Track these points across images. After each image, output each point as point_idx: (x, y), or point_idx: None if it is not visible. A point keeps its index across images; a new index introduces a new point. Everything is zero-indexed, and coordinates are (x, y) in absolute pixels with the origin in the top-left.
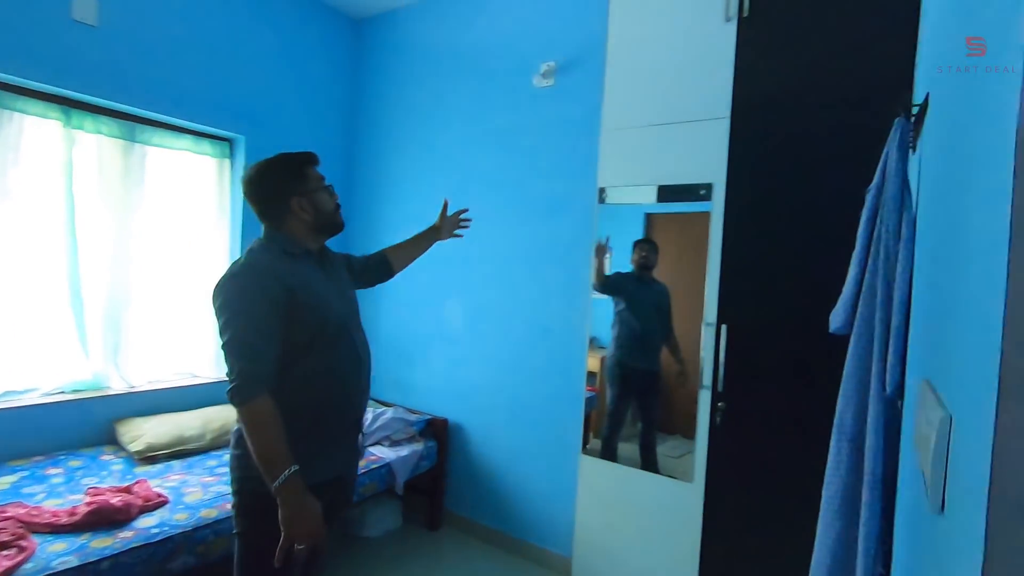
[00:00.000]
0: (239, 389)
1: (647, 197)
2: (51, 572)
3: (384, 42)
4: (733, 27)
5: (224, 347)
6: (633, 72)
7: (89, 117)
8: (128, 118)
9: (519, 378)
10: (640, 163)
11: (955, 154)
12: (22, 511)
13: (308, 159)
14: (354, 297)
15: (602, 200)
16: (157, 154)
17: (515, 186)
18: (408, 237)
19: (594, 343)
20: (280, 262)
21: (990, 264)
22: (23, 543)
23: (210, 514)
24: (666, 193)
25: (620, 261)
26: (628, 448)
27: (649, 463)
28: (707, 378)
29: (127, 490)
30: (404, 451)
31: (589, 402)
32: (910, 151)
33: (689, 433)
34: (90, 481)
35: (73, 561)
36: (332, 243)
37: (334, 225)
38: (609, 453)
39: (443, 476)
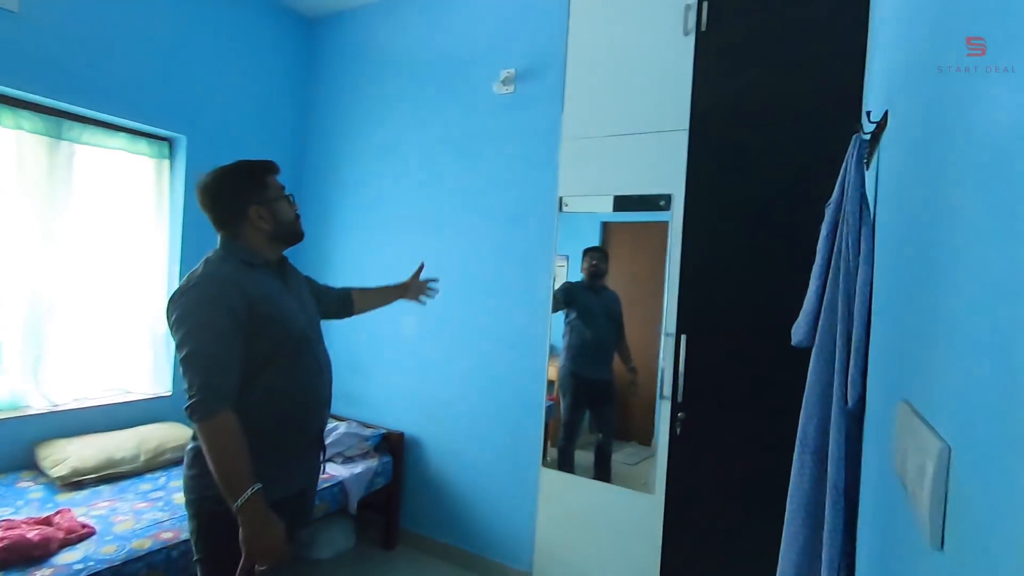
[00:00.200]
0: (200, 404)
1: (607, 207)
2: None
3: (339, 43)
4: (691, 41)
5: (183, 361)
6: (593, 82)
7: (8, 111)
8: (54, 113)
9: (479, 389)
10: (600, 173)
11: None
12: None
13: (268, 167)
14: (314, 311)
15: (562, 209)
16: (87, 153)
17: (475, 193)
18: (377, 286)
19: (554, 351)
20: (239, 272)
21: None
22: None
23: (143, 545)
24: (625, 203)
25: (576, 270)
26: (585, 457)
27: (604, 471)
28: (667, 388)
29: (47, 521)
30: (358, 468)
31: (548, 411)
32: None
33: (645, 439)
34: (3, 512)
35: None
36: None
37: (294, 235)
38: (566, 462)
39: (399, 492)
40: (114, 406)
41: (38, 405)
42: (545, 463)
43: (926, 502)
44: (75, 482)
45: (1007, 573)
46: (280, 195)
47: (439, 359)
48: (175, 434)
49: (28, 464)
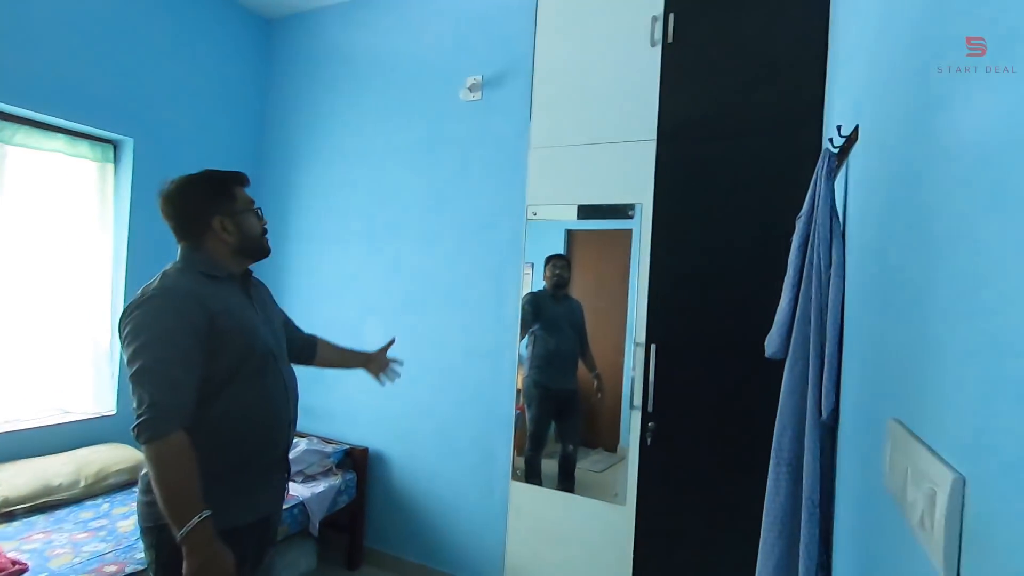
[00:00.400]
0: (149, 424)
1: (574, 215)
2: None
3: (299, 45)
4: (658, 52)
5: (133, 377)
6: (561, 91)
7: None
8: None
9: (447, 401)
10: (569, 182)
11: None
12: None
13: (237, 179)
14: (280, 327)
15: (531, 218)
16: (19, 155)
17: (442, 201)
18: (344, 346)
19: (523, 360)
20: (199, 285)
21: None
22: None
23: None
24: (595, 212)
25: (540, 278)
26: (551, 466)
27: (569, 480)
28: (637, 398)
29: None
30: (320, 486)
31: (515, 422)
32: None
33: (611, 446)
34: None
35: None
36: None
37: (259, 250)
38: (534, 473)
39: (363, 510)
40: (51, 427)
41: None
42: (515, 476)
43: (939, 538)
44: (5, 513)
45: None
46: (248, 208)
47: (405, 371)
48: (120, 456)
49: None
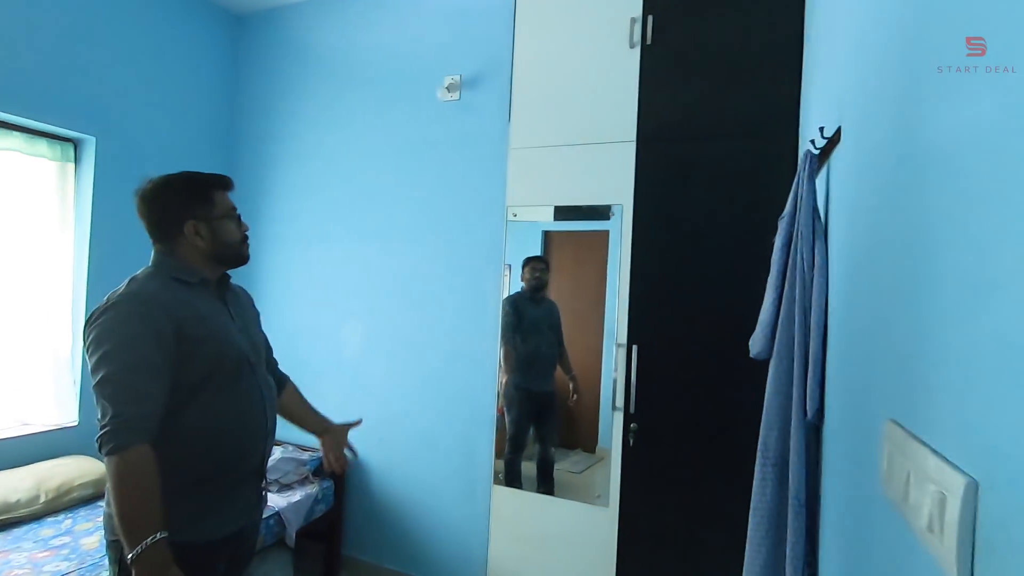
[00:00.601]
0: (112, 435)
1: (558, 216)
2: None
3: (270, 42)
4: (637, 53)
5: (97, 387)
6: (541, 92)
7: None
8: None
9: (427, 404)
10: (549, 183)
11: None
12: None
13: (219, 183)
14: (258, 336)
15: (511, 219)
16: None
17: (420, 202)
18: (309, 404)
19: (502, 362)
20: (169, 291)
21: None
22: None
23: None
24: (575, 213)
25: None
26: (531, 468)
27: (548, 482)
28: (619, 399)
29: None
30: (296, 495)
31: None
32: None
33: (590, 447)
34: None
35: None
36: None
37: (235, 257)
38: (514, 477)
39: (341, 519)
40: (8, 440)
41: None
42: (497, 480)
43: (951, 544)
44: None
45: None
46: (227, 214)
47: (384, 375)
48: (83, 469)
49: None
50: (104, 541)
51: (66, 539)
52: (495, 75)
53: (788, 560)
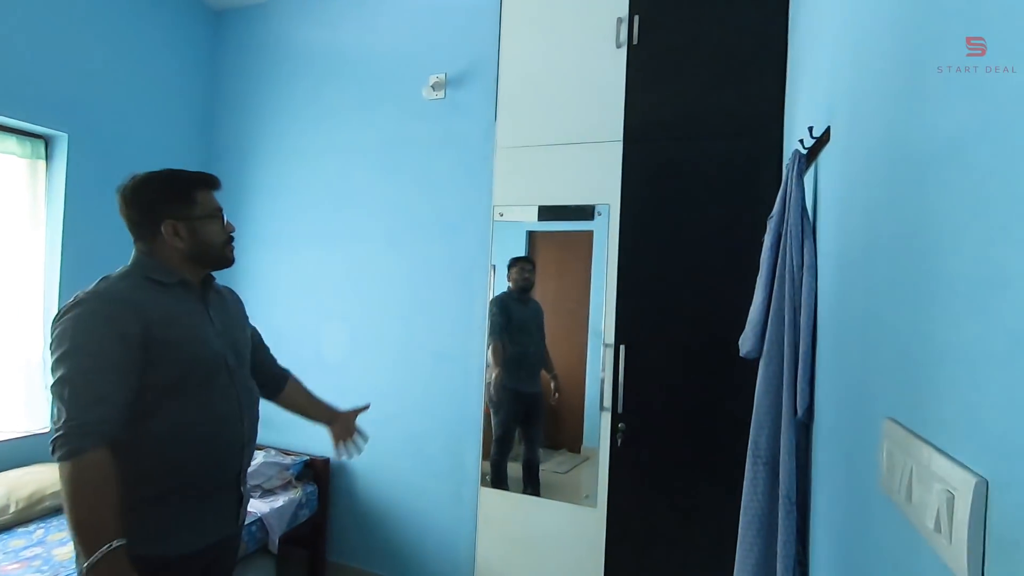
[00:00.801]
0: (65, 439)
1: (543, 216)
2: None
3: (250, 37)
4: (624, 53)
5: (53, 388)
6: (527, 91)
7: None
8: None
9: (414, 407)
10: (536, 182)
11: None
12: None
13: (203, 182)
14: (243, 339)
15: (497, 219)
16: None
17: (405, 202)
18: (315, 395)
19: (489, 363)
20: (140, 291)
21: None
22: None
23: None
24: (560, 213)
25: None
26: (516, 469)
27: (534, 483)
28: (607, 399)
29: None
30: (279, 501)
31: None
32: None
33: (575, 447)
34: None
35: None
36: None
37: (217, 259)
38: (500, 478)
39: (325, 524)
40: None
41: None
42: (484, 482)
43: (961, 544)
44: None
45: None
46: (210, 214)
47: (369, 377)
48: (56, 477)
49: None
50: (75, 552)
51: (38, 550)
52: (481, 74)
53: (779, 559)
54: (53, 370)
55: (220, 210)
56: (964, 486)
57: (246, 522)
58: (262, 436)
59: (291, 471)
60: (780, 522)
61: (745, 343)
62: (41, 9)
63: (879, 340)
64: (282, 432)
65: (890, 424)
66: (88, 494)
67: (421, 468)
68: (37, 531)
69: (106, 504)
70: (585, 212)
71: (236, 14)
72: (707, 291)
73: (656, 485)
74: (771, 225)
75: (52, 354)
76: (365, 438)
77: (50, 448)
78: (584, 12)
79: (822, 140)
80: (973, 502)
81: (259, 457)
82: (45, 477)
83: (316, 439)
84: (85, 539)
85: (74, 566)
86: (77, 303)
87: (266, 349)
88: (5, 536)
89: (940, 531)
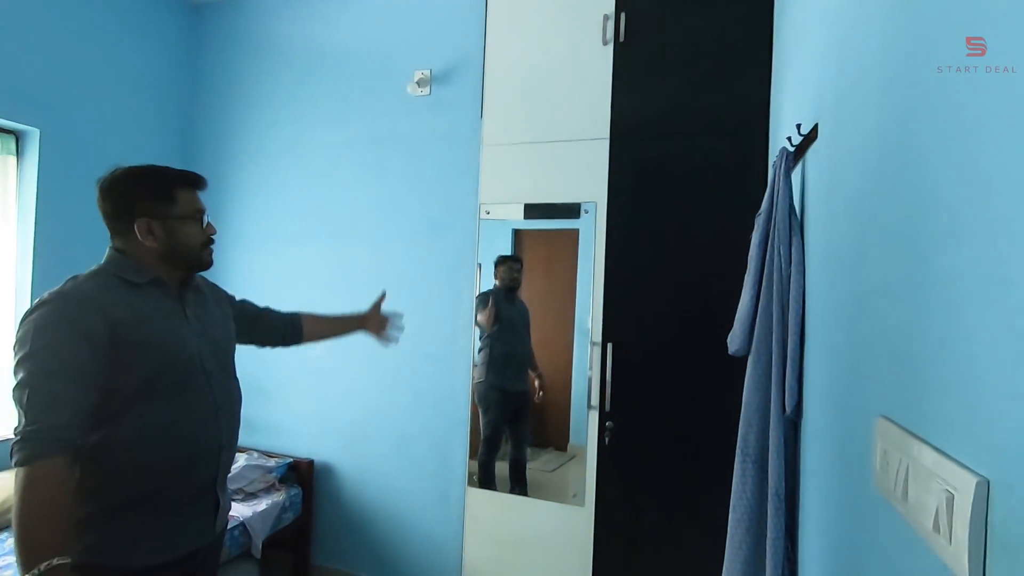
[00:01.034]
0: (21, 445)
1: (529, 214)
2: None
3: (230, 32)
4: (610, 50)
5: (13, 391)
6: (514, 88)
7: None
8: None
9: (400, 406)
10: (522, 180)
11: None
12: None
13: (185, 180)
14: (224, 338)
15: (484, 217)
16: None
17: (391, 199)
18: (331, 315)
19: (476, 362)
20: (110, 291)
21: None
22: None
23: None
24: (546, 211)
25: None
26: (504, 469)
27: (521, 481)
28: (595, 398)
29: None
30: (262, 504)
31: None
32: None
33: (562, 445)
34: None
35: None
36: None
37: (195, 261)
38: (488, 479)
39: (310, 527)
40: None
41: None
42: (471, 482)
43: (962, 544)
44: None
45: None
46: (189, 214)
47: (354, 377)
48: None
49: None
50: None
51: (9, 559)
52: (467, 70)
53: (768, 556)
54: (14, 373)
55: (201, 211)
56: (965, 486)
57: (228, 527)
58: (244, 438)
59: (274, 474)
60: (769, 519)
61: (733, 341)
62: (11, 1)
63: (871, 337)
64: (264, 435)
65: (883, 422)
66: (36, 504)
67: (407, 469)
68: (8, 540)
69: (55, 516)
70: (571, 210)
71: (215, 7)
72: (695, 289)
73: (644, 483)
74: (759, 222)
75: (14, 357)
76: (399, 317)
77: (9, 455)
78: (570, 8)
79: (810, 137)
80: (974, 502)
81: (241, 460)
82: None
83: (300, 441)
84: (27, 551)
85: None
86: (41, 304)
87: (266, 311)
88: None
89: (939, 531)
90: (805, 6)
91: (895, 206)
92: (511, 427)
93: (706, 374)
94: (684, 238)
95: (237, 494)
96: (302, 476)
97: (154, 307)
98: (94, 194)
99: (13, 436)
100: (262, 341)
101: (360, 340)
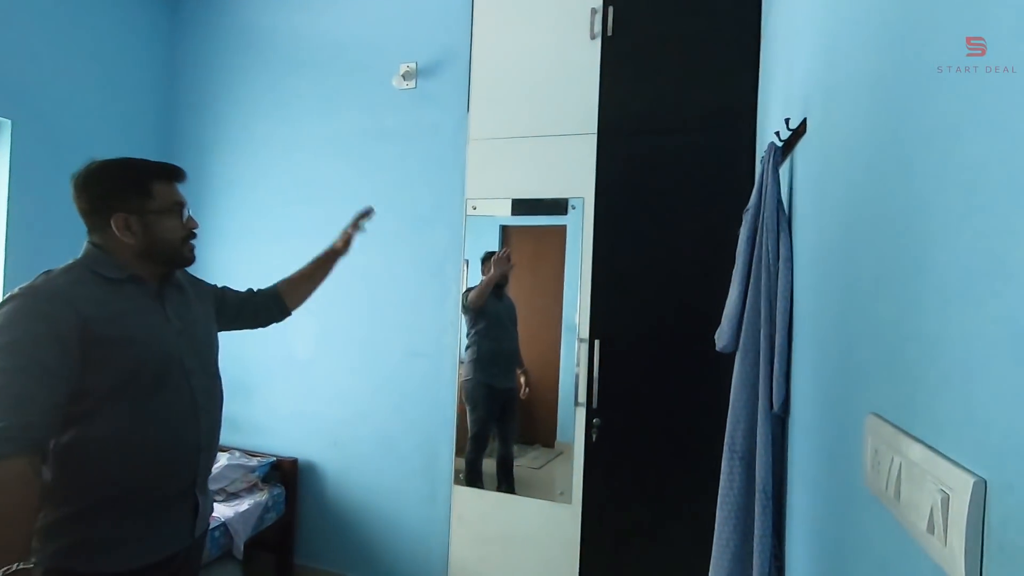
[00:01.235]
0: None
1: (516, 209)
2: None
3: (211, 23)
4: (598, 45)
5: None
6: (500, 82)
7: None
8: None
9: (385, 404)
10: (509, 175)
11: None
12: None
13: (162, 172)
14: (206, 335)
15: (471, 212)
16: None
17: (376, 195)
18: (306, 266)
19: (463, 359)
20: (82, 286)
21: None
22: None
23: None
24: (536, 207)
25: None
26: (491, 466)
27: (509, 479)
28: (582, 394)
29: None
30: (244, 504)
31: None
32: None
33: (549, 442)
34: None
35: None
36: None
37: (175, 257)
38: (475, 475)
39: (293, 526)
40: None
41: None
42: (458, 480)
43: (958, 546)
44: None
45: None
46: (167, 208)
47: (339, 375)
48: None
49: None
50: None
51: None
52: (453, 63)
53: (756, 553)
54: None
55: (181, 205)
56: (961, 486)
57: (210, 527)
58: (226, 437)
59: (257, 473)
60: (756, 517)
61: (721, 337)
62: None
63: (861, 333)
64: (247, 434)
65: (874, 419)
66: (1, 505)
67: (393, 467)
68: None
69: (21, 519)
70: (559, 206)
71: None
72: (682, 285)
73: (631, 480)
74: (747, 218)
75: None
76: (369, 211)
77: None
78: (558, 2)
79: (798, 132)
80: (971, 503)
81: (223, 459)
82: None
83: (283, 439)
84: None
85: None
86: (11, 298)
87: (248, 295)
88: None
89: (933, 532)
90: (793, 2)
91: (886, 201)
92: (499, 424)
93: (694, 371)
94: (672, 234)
95: (219, 494)
96: (285, 475)
97: (131, 304)
98: (69, 189)
99: None
100: (254, 323)
101: (345, 336)
